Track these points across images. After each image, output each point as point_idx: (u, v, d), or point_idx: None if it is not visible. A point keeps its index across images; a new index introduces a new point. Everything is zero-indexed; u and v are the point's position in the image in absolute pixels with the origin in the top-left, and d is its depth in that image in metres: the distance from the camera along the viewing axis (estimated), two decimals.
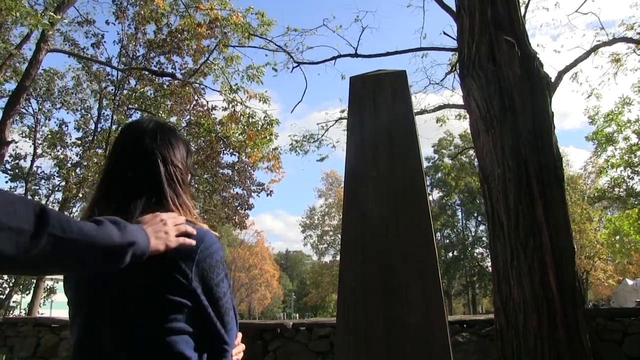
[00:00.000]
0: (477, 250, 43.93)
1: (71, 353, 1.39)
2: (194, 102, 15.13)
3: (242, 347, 1.55)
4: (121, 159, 1.47)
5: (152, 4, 13.49)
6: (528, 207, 5.13)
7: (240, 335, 1.53)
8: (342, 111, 13.63)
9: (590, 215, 32.98)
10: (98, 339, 1.32)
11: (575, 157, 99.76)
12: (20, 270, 1.03)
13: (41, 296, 17.53)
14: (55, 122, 18.15)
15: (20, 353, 7.98)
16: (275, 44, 12.50)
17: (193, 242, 1.35)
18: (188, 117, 15.40)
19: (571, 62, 10.43)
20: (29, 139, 18.84)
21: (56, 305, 22.71)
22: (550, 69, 14.62)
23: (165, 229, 1.29)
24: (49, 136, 17.78)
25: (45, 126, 18.67)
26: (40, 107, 18.36)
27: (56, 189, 18.97)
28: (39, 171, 18.96)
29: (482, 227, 42.95)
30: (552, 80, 6.07)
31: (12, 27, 13.39)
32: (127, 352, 1.29)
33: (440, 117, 14.53)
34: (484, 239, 41.23)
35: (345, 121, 11.57)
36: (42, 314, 16.27)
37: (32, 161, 18.82)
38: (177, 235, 1.32)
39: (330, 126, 13.97)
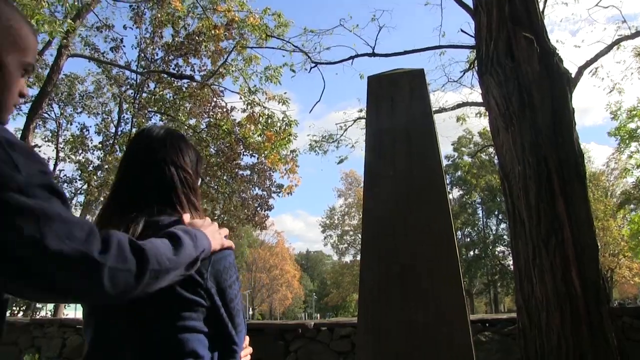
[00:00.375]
0: (498, 249, 43.55)
1: (85, 352, 1.42)
2: (213, 104, 15.20)
3: (250, 350, 1.58)
4: (133, 165, 1.52)
5: (170, 7, 13.58)
6: (549, 204, 5.08)
7: (247, 337, 1.56)
8: (360, 111, 13.61)
9: (614, 211, 32.48)
10: (113, 338, 1.36)
11: (597, 154, 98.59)
12: (122, 301, 1.13)
13: None
14: (76, 126, 18.33)
15: (47, 353, 8.12)
16: (293, 45, 12.53)
17: (232, 243, 1.45)
18: (207, 119, 15.48)
19: (592, 57, 10.28)
20: (52, 143, 19.12)
21: (80, 307, 23.04)
22: (571, 65, 14.47)
23: (216, 231, 1.41)
24: (71, 140, 18.02)
25: (67, 130, 18.93)
26: (62, 111, 18.63)
27: (78, 192, 19.23)
28: (61, 175, 19.24)
29: (503, 225, 42.59)
30: (572, 75, 5.99)
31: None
32: (142, 350, 1.32)
33: (460, 116, 14.42)
34: (505, 237, 40.84)
35: (363, 121, 11.56)
36: (67, 314, 16.53)
37: (55, 165, 19.09)
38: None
39: (349, 126, 13.95)
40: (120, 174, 1.54)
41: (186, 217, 1.43)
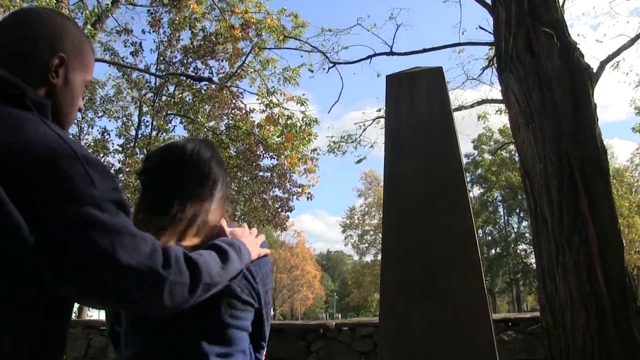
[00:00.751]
0: (520, 247, 43.08)
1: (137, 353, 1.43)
2: (232, 106, 15.26)
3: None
4: (157, 175, 1.53)
5: (187, 10, 13.68)
6: (571, 201, 5.01)
7: None
8: (379, 110, 13.56)
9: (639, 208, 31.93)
10: (157, 349, 1.41)
11: (621, 150, 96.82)
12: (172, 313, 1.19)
13: None
14: (97, 130, 18.56)
15: (73, 354, 8.24)
16: (311, 45, 12.54)
17: (269, 251, 1.55)
18: (226, 120, 15.54)
19: (614, 51, 10.11)
20: None
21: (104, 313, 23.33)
22: (592, 59, 14.23)
23: (254, 242, 1.50)
24: (92, 144, 18.26)
25: (89, 134, 19.16)
26: (84, 116, 18.85)
27: None
28: None
29: (524, 223, 42.10)
30: (594, 70, 5.90)
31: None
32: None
33: (480, 114, 14.31)
34: (527, 235, 40.40)
35: (382, 120, 11.53)
36: (90, 316, 16.73)
37: None
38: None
39: (368, 126, 13.91)
40: (147, 181, 1.56)
41: (223, 223, 1.49)
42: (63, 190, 1.00)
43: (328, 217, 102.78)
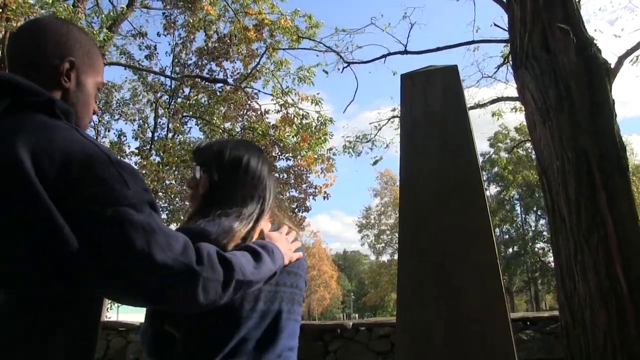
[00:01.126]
0: (538, 245, 42.71)
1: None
2: (247, 107, 15.31)
3: None
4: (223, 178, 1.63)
5: (201, 12, 13.75)
6: (590, 198, 4.95)
7: None
8: (394, 109, 13.51)
9: None
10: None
11: None
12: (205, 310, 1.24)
13: (108, 300, 18.18)
14: (114, 133, 18.74)
15: None
16: (325, 45, 12.54)
17: (301, 255, 1.63)
18: (242, 122, 15.60)
19: (633, 46, 9.96)
20: None
21: (122, 310, 23.59)
22: (610, 55, 14.08)
23: (288, 247, 1.56)
24: (109, 147, 18.43)
25: (106, 137, 19.35)
26: (100, 119, 19.05)
27: None
28: None
29: (542, 221, 41.74)
30: (612, 66, 5.82)
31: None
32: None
33: (496, 111, 14.19)
34: (544, 233, 40.04)
35: (397, 120, 11.49)
36: (109, 317, 16.88)
37: None
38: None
39: (383, 125, 13.85)
40: (211, 182, 1.63)
41: (265, 228, 1.57)
42: (99, 193, 1.04)
43: (344, 217, 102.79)
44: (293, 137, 13.77)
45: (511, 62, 6.34)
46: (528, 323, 6.62)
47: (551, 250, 6.23)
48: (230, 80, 14.86)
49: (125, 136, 18.22)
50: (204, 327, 1.42)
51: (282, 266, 1.46)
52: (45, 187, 1.01)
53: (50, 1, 8.83)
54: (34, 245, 1.02)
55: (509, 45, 8.04)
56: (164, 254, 1.05)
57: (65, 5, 8.88)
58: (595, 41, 5.69)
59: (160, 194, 16.72)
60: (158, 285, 1.07)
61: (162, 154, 15.43)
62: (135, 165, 17.21)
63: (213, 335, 1.43)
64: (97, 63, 1.33)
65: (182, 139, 16.14)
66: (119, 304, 21.61)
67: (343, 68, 12.21)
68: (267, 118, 14.98)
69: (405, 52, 11.10)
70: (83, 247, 1.02)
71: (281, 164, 15.31)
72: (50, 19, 1.35)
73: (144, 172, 15.00)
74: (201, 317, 1.37)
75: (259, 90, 14.98)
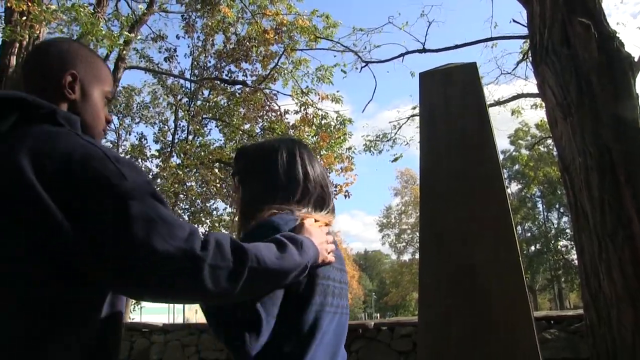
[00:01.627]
0: (560, 243, 42.10)
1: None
2: (267, 108, 15.36)
3: None
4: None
5: (219, 14, 13.83)
6: (614, 195, 4.87)
7: None
8: (414, 108, 13.46)
9: None
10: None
11: None
12: (229, 300, 1.24)
13: (131, 302, 18.38)
14: (135, 136, 18.92)
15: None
16: (343, 45, 12.54)
17: (333, 259, 1.56)
18: (261, 123, 15.65)
19: None
20: None
21: (145, 311, 23.84)
22: (634, 48, 13.84)
23: (325, 247, 1.51)
24: (130, 150, 18.61)
25: (127, 141, 19.55)
26: (121, 122, 19.26)
27: None
28: None
29: (565, 219, 41.18)
30: (635, 59, 5.72)
31: (94, 50, 14.12)
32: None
33: (515, 108, 14.06)
34: (567, 230, 39.50)
35: (417, 118, 11.44)
36: (133, 319, 17.05)
37: None
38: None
39: (403, 124, 13.82)
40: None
41: (307, 222, 1.54)
42: (97, 187, 1.07)
43: (365, 216, 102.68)
44: (312, 137, 13.79)
45: (531, 58, 6.27)
46: (552, 322, 6.54)
47: (574, 248, 6.15)
48: (249, 81, 14.93)
49: (146, 139, 18.40)
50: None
51: (315, 260, 1.41)
52: (45, 187, 1.04)
53: (72, 6, 8.95)
54: (34, 245, 1.05)
55: (528, 41, 7.96)
56: (166, 243, 1.05)
57: (86, 10, 8.99)
58: (617, 35, 5.59)
59: (181, 196, 16.86)
60: (162, 275, 1.06)
61: (182, 156, 15.55)
62: (156, 168, 17.40)
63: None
64: (101, 74, 1.41)
65: (202, 141, 16.25)
66: (142, 305, 21.92)
67: (361, 67, 12.20)
68: (287, 119, 15.02)
69: (424, 50, 11.05)
70: (84, 244, 1.04)
71: None
72: (54, 40, 1.46)
73: (164, 174, 15.15)
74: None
75: (278, 92, 15.03)
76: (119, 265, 1.05)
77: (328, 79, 13.15)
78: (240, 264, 1.15)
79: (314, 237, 1.46)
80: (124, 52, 11.82)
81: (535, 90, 10.17)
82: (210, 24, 14.77)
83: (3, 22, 10.00)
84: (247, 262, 1.16)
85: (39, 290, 1.08)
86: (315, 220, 1.58)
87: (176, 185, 14.70)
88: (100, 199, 1.06)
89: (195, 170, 15.39)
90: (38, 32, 9.72)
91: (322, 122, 13.57)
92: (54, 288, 1.09)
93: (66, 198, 1.05)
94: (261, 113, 15.49)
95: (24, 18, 8.99)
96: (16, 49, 9.68)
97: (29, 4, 8.55)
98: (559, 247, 42.00)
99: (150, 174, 17.69)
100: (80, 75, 1.33)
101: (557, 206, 42.53)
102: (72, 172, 1.07)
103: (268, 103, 15.22)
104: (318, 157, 13.80)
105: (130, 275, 1.06)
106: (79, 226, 1.04)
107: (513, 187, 43.77)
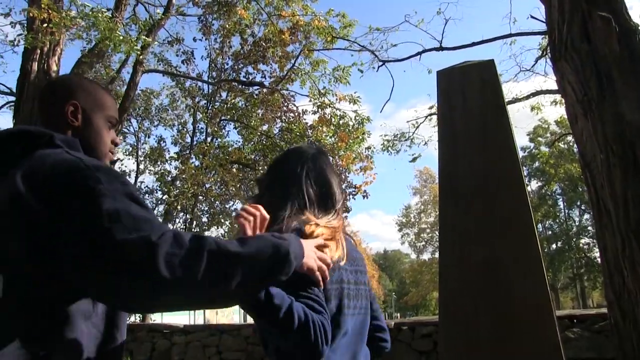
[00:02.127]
0: (582, 241, 41.58)
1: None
2: (285, 109, 15.40)
3: None
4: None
5: (235, 16, 13.89)
6: (637, 192, 4.80)
7: None
8: (431, 107, 13.39)
9: None
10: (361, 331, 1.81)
11: None
12: (201, 294, 1.16)
13: None
14: (154, 139, 19.15)
15: (138, 357, 8.51)
16: (359, 44, 12.51)
17: (327, 276, 1.51)
18: (280, 123, 15.69)
19: None
20: (132, 157, 20.03)
21: (166, 312, 23.96)
22: None
23: (313, 256, 1.47)
24: (149, 152, 18.79)
25: (146, 143, 19.80)
26: (140, 125, 19.49)
27: (159, 202, 19.99)
28: (142, 186, 20.05)
29: (586, 216, 40.68)
30: None
31: (112, 54, 14.29)
32: None
33: (535, 105, 13.90)
34: (589, 228, 39.00)
35: (435, 117, 11.38)
36: (154, 320, 17.21)
37: (136, 177, 19.97)
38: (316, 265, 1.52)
39: (421, 123, 13.75)
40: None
41: (307, 228, 1.59)
42: (75, 191, 1.14)
43: (384, 216, 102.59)
44: (331, 137, 13.78)
45: (550, 55, 6.20)
46: (575, 321, 6.46)
47: (597, 246, 6.06)
48: (266, 83, 14.98)
49: (165, 142, 18.58)
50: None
51: (298, 259, 1.35)
52: (34, 195, 1.14)
53: (90, 12, 9.06)
54: (34, 246, 1.11)
55: (546, 37, 7.87)
56: (127, 233, 1.07)
57: (104, 16, 9.10)
58: (639, 28, 5.51)
59: (200, 197, 16.95)
60: (119, 264, 1.05)
61: (201, 158, 15.64)
62: (175, 170, 17.53)
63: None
64: (103, 101, 1.55)
65: (220, 143, 16.33)
66: None
67: (378, 67, 12.17)
68: (305, 119, 15.04)
69: (441, 48, 11.00)
70: (60, 244, 1.10)
71: None
72: (59, 76, 1.79)
73: (183, 176, 15.26)
74: None
75: (296, 92, 15.06)
76: (81, 257, 1.08)
77: (345, 79, 13.13)
78: (198, 248, 1.11)
79: (308, 246, 1.46)
80: (142, 56, 11.95)
81: (554, 86, 10.06)
82: (227, 26, 14.85)
83: (25, 29, 10.20)
84: (205, 246, 1.12)
85: (39, 290, 1.13)
86: (317, 225, 1.60)
87: (195, 187, 14.79)
88: (77, 200, 1.13)
89: (214, 172, 15.48)
90: (58, 38, 9.88)
91: (340, 121, 13.55)
92: (54, 288, 1.14)
93: (52, 202, 1.13)
94: (279, 114, 15.54)
95: (45, 25, 9.14)
96: (37, 55, 9.89)
97: (50, 11, 8.68)
98: (580, 245, 41.50)
99: (170, 176, 17.84)
100: (81, 104, 1.48)
101: (578, 203, 42.06)
102: (55, 181, 1.17)
103: (286, 104, 15.26)
104: (336, 157, 13.82)
105: (92, 266, 1.06)
106: (60, 225, 1.10)
107: (533, 185, 43.42)
